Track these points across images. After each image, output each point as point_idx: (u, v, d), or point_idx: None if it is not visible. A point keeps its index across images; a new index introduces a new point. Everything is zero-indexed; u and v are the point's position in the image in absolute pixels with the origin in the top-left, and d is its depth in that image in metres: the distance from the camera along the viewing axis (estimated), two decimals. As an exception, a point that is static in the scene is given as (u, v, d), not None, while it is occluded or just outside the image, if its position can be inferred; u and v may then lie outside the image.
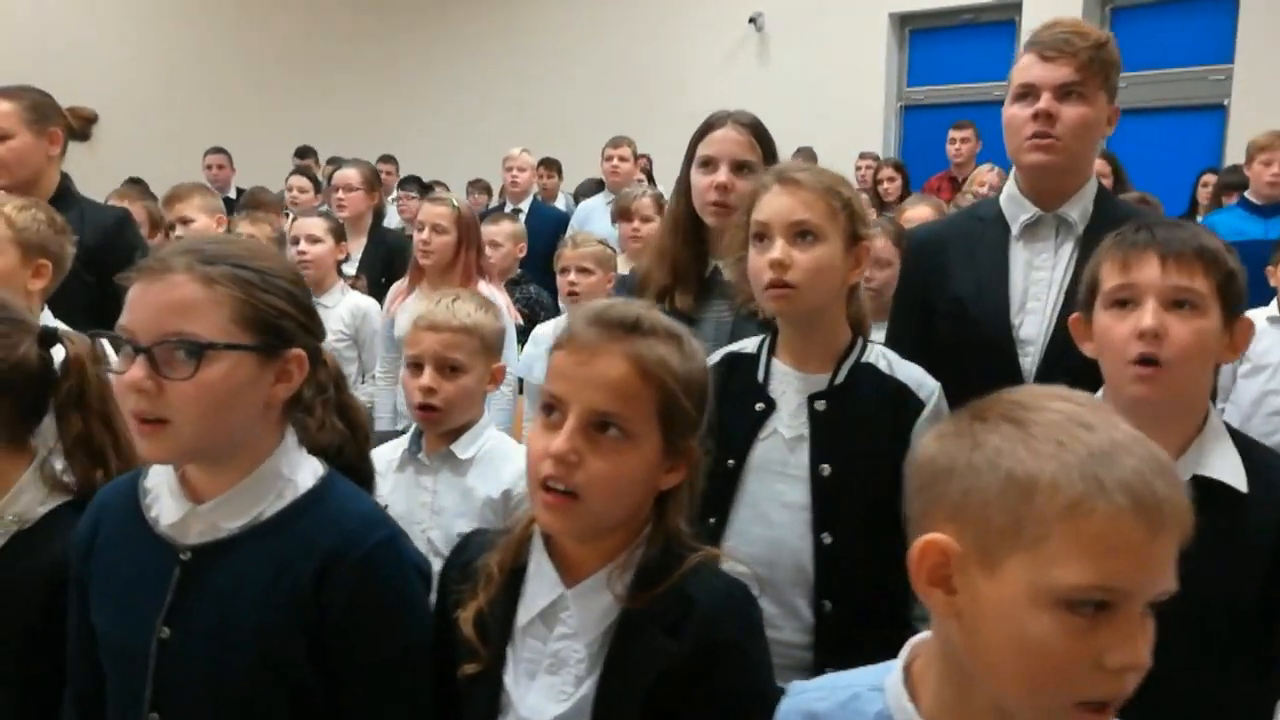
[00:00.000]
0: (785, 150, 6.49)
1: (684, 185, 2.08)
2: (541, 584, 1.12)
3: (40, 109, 2.48)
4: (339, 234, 3.32)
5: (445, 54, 9.21)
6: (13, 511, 1.32)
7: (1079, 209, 1.80)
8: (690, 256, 2.05)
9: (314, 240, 3.27)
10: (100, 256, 2.39)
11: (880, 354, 1.57)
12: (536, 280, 4.02)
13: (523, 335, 3.22)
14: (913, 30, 7.73)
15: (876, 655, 1.43)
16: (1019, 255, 1.82)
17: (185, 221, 3.27)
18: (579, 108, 8.45)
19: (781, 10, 7.89)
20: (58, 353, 1.37)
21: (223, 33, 9.07)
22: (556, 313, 3.96)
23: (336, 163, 5.85)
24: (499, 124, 8.58)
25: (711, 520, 1.50)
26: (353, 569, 1.11)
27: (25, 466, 1.35)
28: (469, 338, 1.74)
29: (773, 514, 1.51)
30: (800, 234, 1.48)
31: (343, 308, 3.28)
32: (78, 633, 1.23)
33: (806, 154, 5.24)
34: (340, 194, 3.97)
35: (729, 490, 1.53)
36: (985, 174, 5.26)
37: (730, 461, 1.52)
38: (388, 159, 6.95)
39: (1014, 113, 1.82)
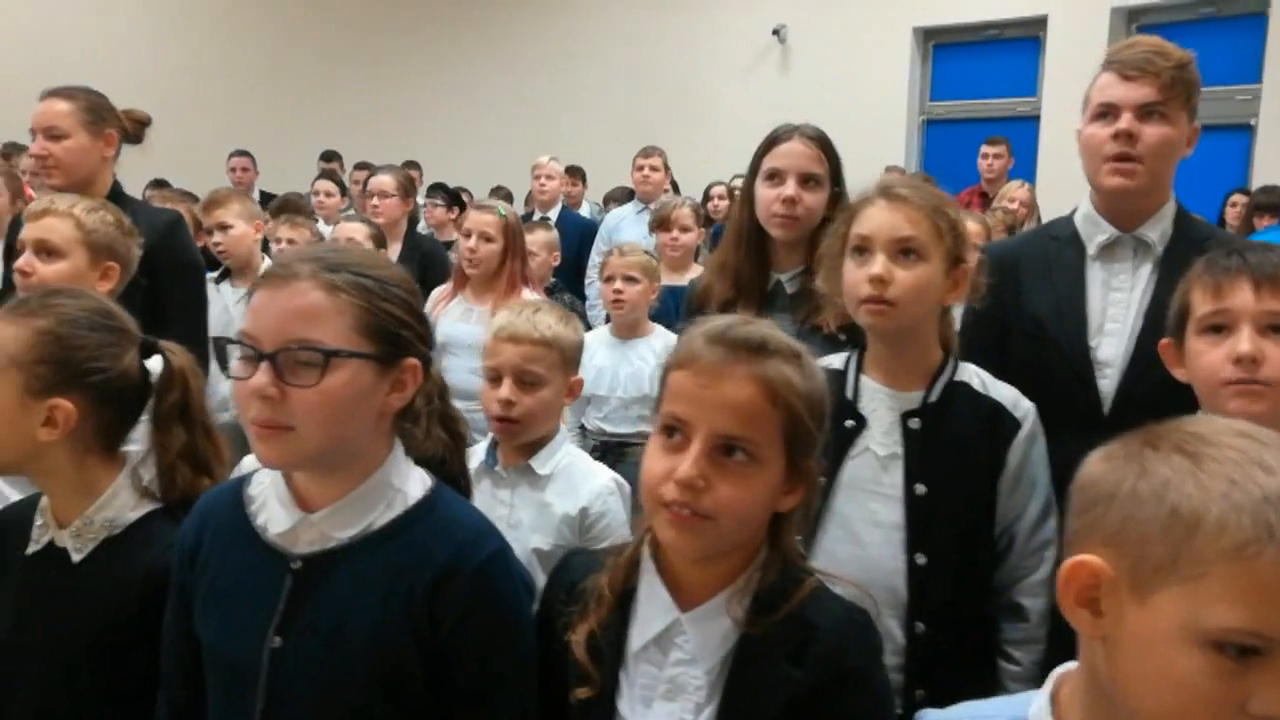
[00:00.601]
0: None
1: (748, 197, 2.07)
2: (655, 607, 1.10)
3: (97, 110, 2.47)
4: (379, 240, 3.31)
5: (468, 60, 9.21)
6: (103, 517, 1.30)
7: (1158, 230, 1.78)
8: (753, 269, 2.05)
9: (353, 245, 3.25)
10: (153, 258, 2.37)
11: (973, 373, 1.55)
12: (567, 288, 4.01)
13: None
14: (936, 45, 7.73)
15: (967, 679, 1.43)
16: (1096, 276, 1.80)
17: (224, 227, 3.25)
18: (601, 117, 8.46)
19: (805, 23, 7.90)
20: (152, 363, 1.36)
21: (248, 36, 9.08)
22: (587, 320, 3.96)
23: (364, 167, 5.86)
24: (521, 131, 8.59)
25: (798, 538, 1.49)
26: (467, 581, 1.09)
27: (116, 474, 1.33)
28: (549, 350, 1.72)
29: (864, 533, 1.49)
30: (903, 251, 1.46)
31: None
32: (176, 641, 1.21)
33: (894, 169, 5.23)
34: (375, 200, 3.95)
35: (818, 508, 1.51)
36: (1015, 190, 5.26)
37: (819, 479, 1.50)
38: (411, 164, 6.93)
39: (1093, 132, 1.79)
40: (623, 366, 2.99)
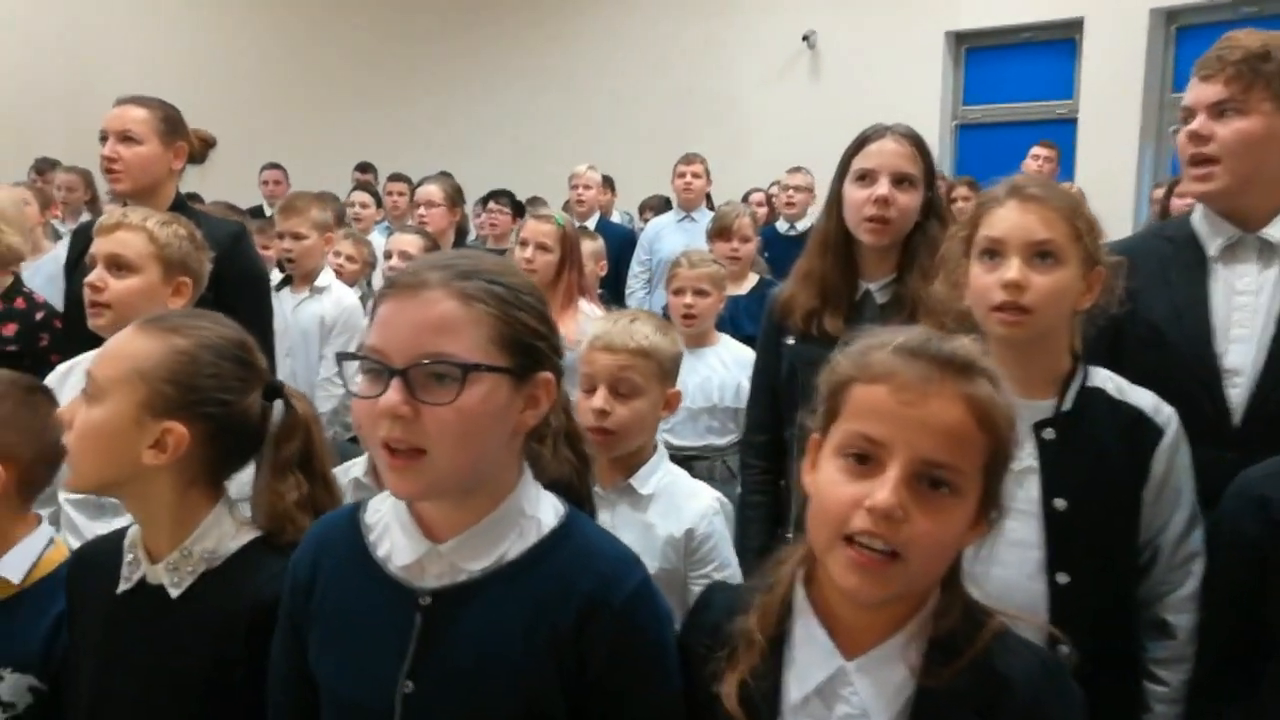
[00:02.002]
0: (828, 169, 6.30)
1: (835, 201, 1.99)
2: (814, 653, 1.00)
3: (172, 122, 2.45)
4: (433, 252, 3.24)
5: (495, 69, 9.17)
6: (202, 548, 1.22)
7: None
8: (841, 278, 1.96)
9: (407, 257, 3.19)
10: (219, 272, 2.31)
11: (1106, 378, 1.47)
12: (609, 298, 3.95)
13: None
14: (969, 48, 7.64)
15: (1111, 703, 1.35)
16: (1218, 279, 1.71)
17: (297, 236, 3.21)
18: (630, 125, 8.40)
19: (835, 28, 7.81)
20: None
21: (280, 49, 9.06)
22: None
23: (399, 179, 5.81)
24: (551, 141, 8.55)
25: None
26: (616, 615, 1.01)
27: (210, 505, 1.26)
28: (645, 360, 1.64)
29: (999, 552, 1.39)
30: (1040, 255, 1.38)
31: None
32: (288, 681, 1.13)
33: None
34: (422, 210, 3.90)
35: None
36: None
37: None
38: (445, 175, 6.88)
39: (1179, 138, 1.74)
40: (690, 377, 2.90)
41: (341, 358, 1.03)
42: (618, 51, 8.75)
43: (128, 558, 1.25)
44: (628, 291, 4.97)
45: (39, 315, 2.53)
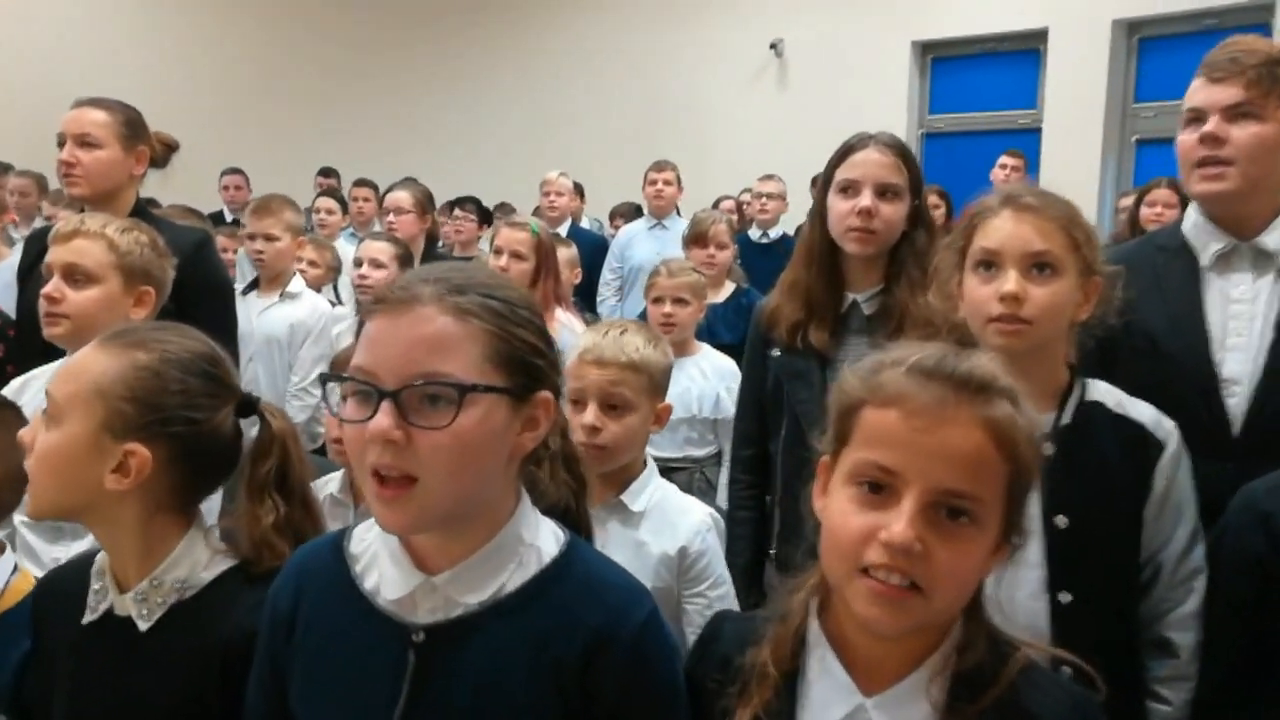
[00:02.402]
0: (804, 178, 6.30)
1: (820, 211, 1.96)
2: (830, 689, 0.95)
3: (134, 126, 2.36)
4: (406, 259, 3.17)
5: (467, 76, 9.10)
6: (173, 578, 1.15)
7: (1276, 236, 1.69)
8: (826, 289, 1.92)
9: (377, 265, 3.12)
10: (181, 280, 2.22)
11: (1106, 391, 1.44)
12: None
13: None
14: (934, 58, 7.70)
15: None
16: (1213, 288, 1.70)
17: (270, 238, 3.12)
18: (599, 132, 8.36)
19: (802, 37, 7.83)
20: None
21: (241, 51, 8.88)
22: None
23: (364, 184, 5.71)
24: (519, 147, 8.48)
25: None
26: (625, 650, 0.96)
27: (180, 531, 1.18)
28: (637, 375, 1.59)
29: (999, 571, 1.37)
30: (1037, 266, 1.35)
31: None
32: None
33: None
34: (391, 217, 3.82)
35: None
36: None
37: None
38: (410, 181, 6.78)
39: (1182, 140, 1.73)
40: (670, 387, 2.85)
41: (327, 378, 0.97)
42: (585, 59, 8.71)
43: (94, 586, 1.17)
44: (599, 299, 4.92)
45: (-6, 325, 2.42)
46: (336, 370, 1.51)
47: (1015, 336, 1.36)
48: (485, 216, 5.61)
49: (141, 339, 1.15)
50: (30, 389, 1.85)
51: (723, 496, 2.79)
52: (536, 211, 6.72)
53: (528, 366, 0.96)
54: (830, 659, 0.96)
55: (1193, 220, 1.76)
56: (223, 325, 2.42)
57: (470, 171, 8.13)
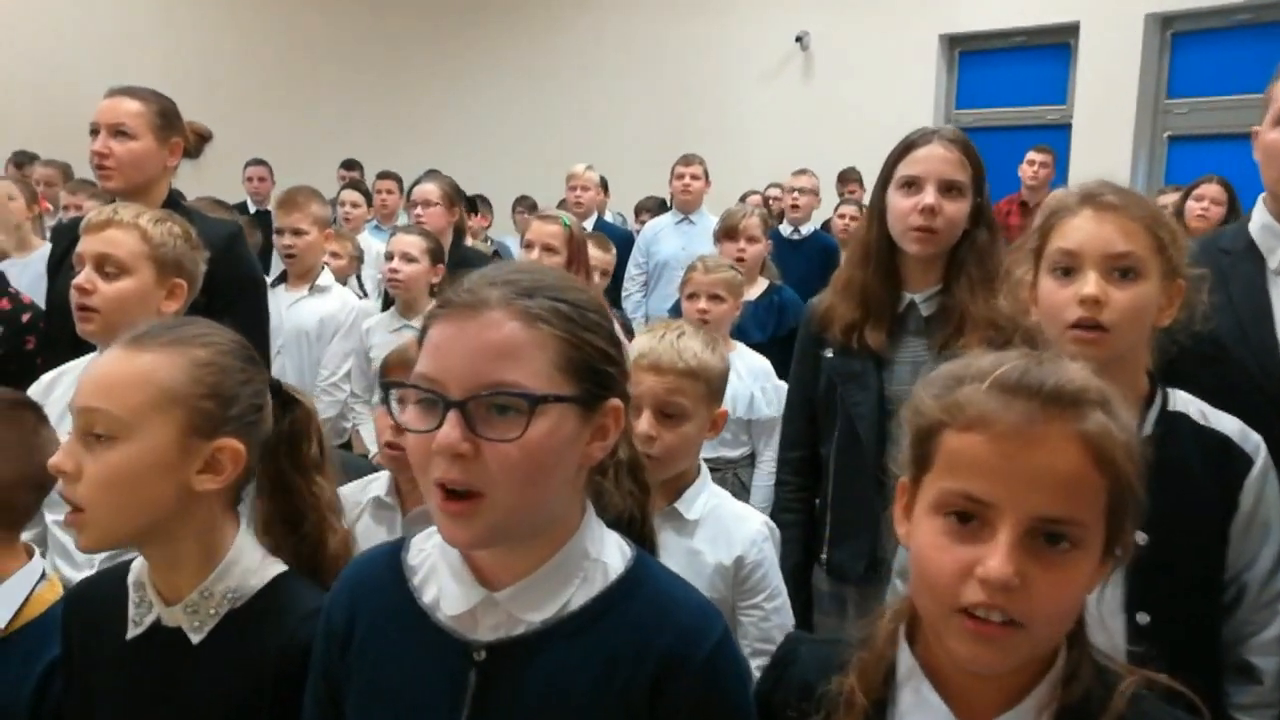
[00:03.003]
0: (828, 173, 6.20)
1: (878, 209, 1.89)
2: None
3: (168, 116, 2.31)
4: (436, 255, 3.11)
5: (489, 68, 9.04)
6: (224, 587, 1.10)
7: None
8: (883, 288, 1.86)
9: (409, 259, 3.06)
10: (213, 274, 2.18)
11: (1188, 401, 1.38)
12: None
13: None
14: (962, 52, 7.59)
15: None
16: None
17: (298, 232, 3.08)
18: (622, 125, 8.30)
19: (828, 30, 7.74)
20: None
21: (263, 42, 8.85)
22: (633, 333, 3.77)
23: (388, 176, 5.67)
24: (542, 140, 8.43)
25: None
26: (697, 675, 0.90)
27: (233, 533, 1.14)
28: (695, 382, 1.53)
29: None
30: (1119, 269, 1.29)
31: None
32: None
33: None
34: (419, 209, 3.76)
35: None
36: (1060, 199, 5.12)
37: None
38: (434, 173, 6.73)
39: (1274, 139, 1.64)
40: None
41: (389, 385, 0.92)
42: (610, 51, 8.64)
43: (133, 597, 1.12)
44: (624, 294, 4.86)
45: (25, 317, 2.38)
46: (389, 372, 1.49)
47: (1094, 346, 1.29)
48: (471, 207, 5.57)
49: (180, 335, 1.09)
50: (61, 385, 1.81)
51: (757, 498, 2.74)
52: (562, 205, 6.68)
53: (598, 374, 0.91)
54: (927, 691, 0.90)
55: (1260, 222, 1.69)
56: (256, 320, 2.38)
57: (492, 164, 8.09)
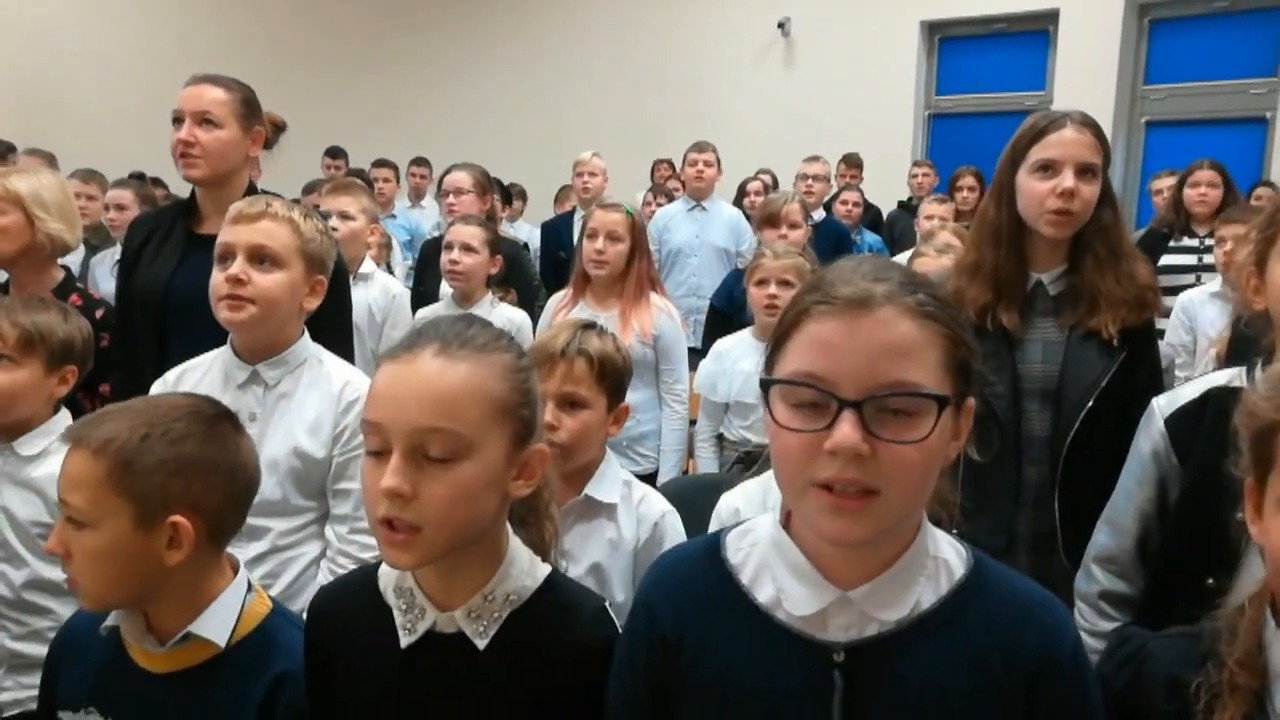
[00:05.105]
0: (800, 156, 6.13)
1: (1006, 191, 1.91)
2: None
3: (252, 105, 2.23)
4: (495, 245, 3.06)
5: (468, 56, 8.90)
6: (505, 589, 1.07)
7: None
8: (1014, 269, 1.89)
9: (468, 250, 3.01)
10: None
11: None
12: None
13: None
14: (942, 38, 7.69)
15: None
16: None
17: (345, 216, 3.00)
18: (604, 112, 8.24)
19: (810, 16, 7.77)
20: None
21: (246, 31, 8.57)
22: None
23: (384, 164, 5.56)
24: (524, 128, 8.33)
25: (1210, 581, 1.31)
26: (1066, 674, 0.90)
27: (508, 533, 1.10)
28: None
29: None
30: None
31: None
32: None
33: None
34: (451, 198, 3.69)
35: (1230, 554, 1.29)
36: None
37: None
38: (421, 161, 6.63)
39: None
40: (770, 374, 2.80)
41: (768, 383, 0.89)
42: (590, 38, 8.56)
43: (398, 604, 1.08)
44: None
45: (98, 313, 2.28)
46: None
47: None
48: (506, 197, 5.54)
49: (480, 342, 1.02)
50: (187, 381, 1.73)
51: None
52: (563, 191, 6.62)
53: (970, 373, 0.90)
54: None
55: None
56: (344, 309, 2.31)
57: (473, 153, 7.93)
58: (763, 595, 0.94)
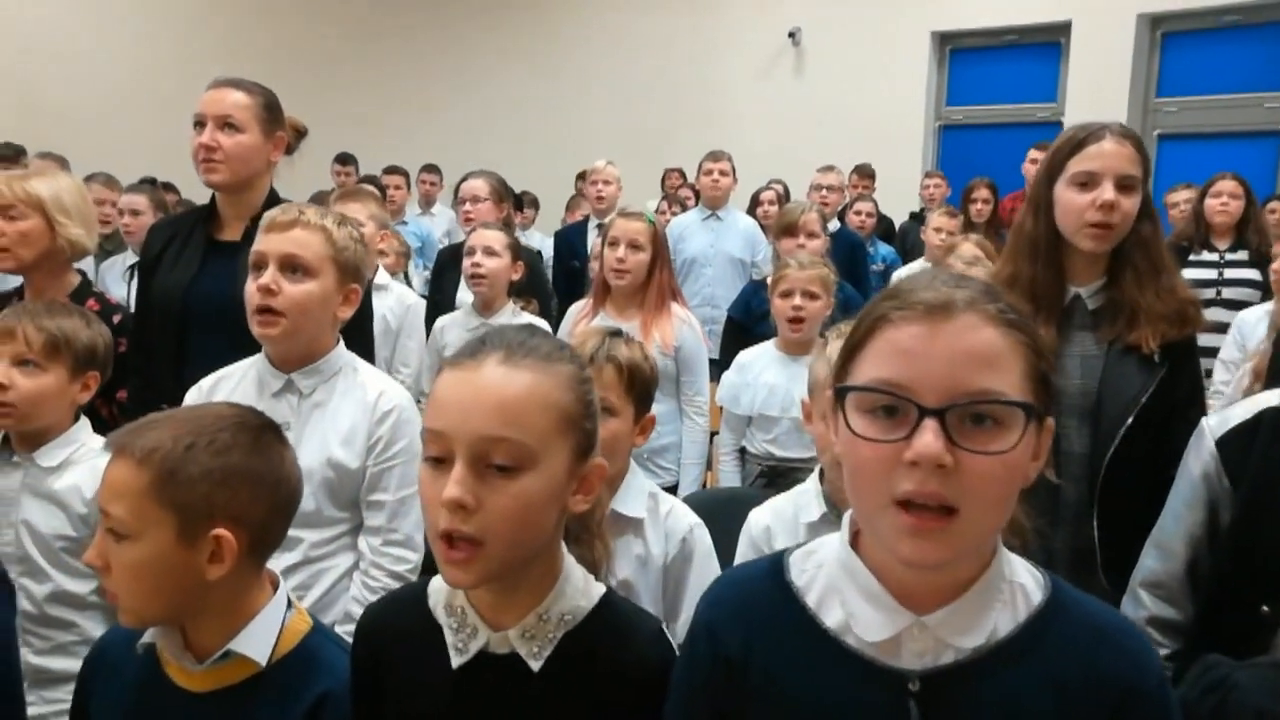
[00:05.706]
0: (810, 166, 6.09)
1: (1043, 203, 1.89)
2: None
3: (274, 110, 2.20)
4: (516, 251, 3.03)
5: (479, 65, 8.88)
6: (559, 610, 1.04)
7: None
8: (1051, 282, 1.86)
9: (491, 254, 2.98)
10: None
11: None
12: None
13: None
14: (953, 49, 7.69)
15: None
16: None
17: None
18: (614, 120, 8.22)
19: (820, 26, 7.78)
20: None
21: (251, 35, 8.55)
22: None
23: (395, 171, 5.55)
24: (533, 136, 8.32)
25: (1265, 609, 1.27)
26: (1153, 704, 0.87)
27: (563, 551, 1.07)
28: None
29: None
30: None
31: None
32: None
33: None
34: (468, 205, 3.67)
35: None
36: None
37: None
38: (432, 168, 6.61)
39: None
40: (796, 386, 2.77)
41: (843, 391, 0.86)
42: (600, 47, 8.56)
43: (449, 623, 1.05)
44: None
45: (115, 319, 2.24)
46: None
47: None
48: (518, 203, 5.54)
49: (543, 350, 0.99)
50: (222, 389, 1.71)
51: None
52: (573, 200, 6.61)
53: (1049, 387, 0.87)
54: None
55: None
56: (364, 322, 2.29)
57: (483, 161, 7.92)
58: (830, 619, 0.91)
